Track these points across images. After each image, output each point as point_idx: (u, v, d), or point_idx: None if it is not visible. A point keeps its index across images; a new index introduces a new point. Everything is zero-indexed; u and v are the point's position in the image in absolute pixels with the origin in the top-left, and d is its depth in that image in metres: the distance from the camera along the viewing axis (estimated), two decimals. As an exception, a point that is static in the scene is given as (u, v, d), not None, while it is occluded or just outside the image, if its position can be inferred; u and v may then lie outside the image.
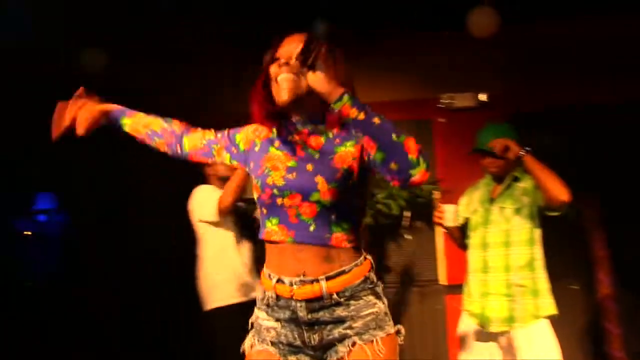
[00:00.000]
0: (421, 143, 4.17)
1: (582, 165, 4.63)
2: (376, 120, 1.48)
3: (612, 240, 4.59)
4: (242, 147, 1.79)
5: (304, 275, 1.57)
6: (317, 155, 1.64)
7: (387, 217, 4.73)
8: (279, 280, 1.61)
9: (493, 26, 4.55)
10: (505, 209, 2.87)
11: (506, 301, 2.80)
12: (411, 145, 1.48)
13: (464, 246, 3.08)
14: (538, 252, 2.84)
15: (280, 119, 1.72)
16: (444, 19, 4.72)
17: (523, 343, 2.74)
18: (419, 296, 5.04)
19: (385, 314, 1.63)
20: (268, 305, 1.64)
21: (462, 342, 2.96)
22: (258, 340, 1.66)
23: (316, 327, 1.59)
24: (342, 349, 1.58)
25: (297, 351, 1.62)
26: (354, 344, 1.57)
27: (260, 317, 1.67)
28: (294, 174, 1.61)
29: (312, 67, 1.52)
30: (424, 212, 4.98)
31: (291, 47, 1.62)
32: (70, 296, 5.14)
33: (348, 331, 1.58)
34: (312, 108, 1.66)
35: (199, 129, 1.88)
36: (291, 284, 1.59)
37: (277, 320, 1.63)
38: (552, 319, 4.92)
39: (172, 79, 5.01)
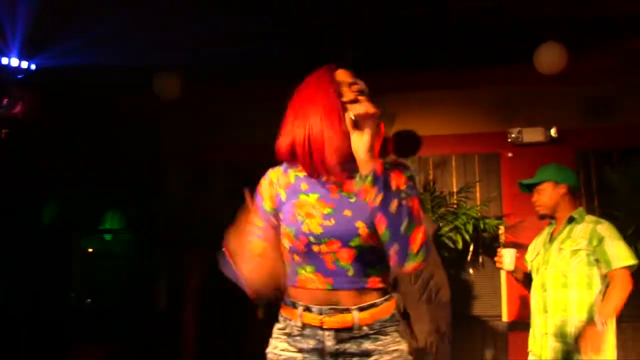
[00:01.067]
0: (489, 177, 4.23)
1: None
2: (393, 205, 1.45)
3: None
4: (270, 207, 1.66)
5: (335, 305, 1.55)
6: (353, 199, 1.58)
7: (451, 251, 4.73)
8: (306, 309, 1.56)
9: (561, 62, 4.58)
10: (563, 250, 2.85)
11: (562, 343, 2.77)
12: (417, 239, 1.46)
13: (528, 288, 3.07)
14: (595, 296, 2.78)
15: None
16: (516, 52, 4.79)
17: None
18: (481, 331, 4.99)
19: (410, 353, 1.60)
20: (290, 334, 1.59)
21: None
22: None
23: (340, 359, 1.55)
24: None
25: None
26: None
27: (279, 347, 1.60)
28: (332, 220, 1.55)
29: (360, 128, 1.48)
30: (488, 247, 4.99)
31: (348, 79, 1.60)
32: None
33: None
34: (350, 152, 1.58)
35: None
36: (320, 312, 1.54)
37: (300, 350, 1.57)
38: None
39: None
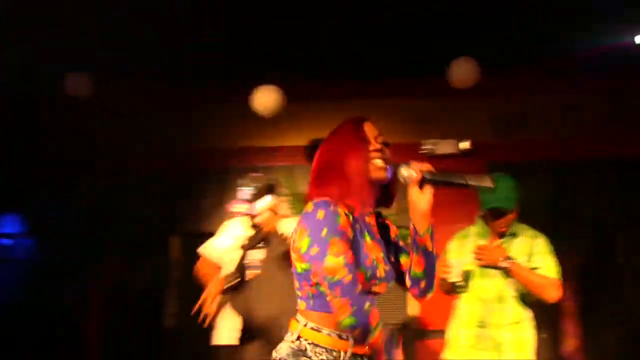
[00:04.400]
0: (402, 188, 4.18)
1: (559, 217, 4.70)
2: (435, 250, 1.75)
3: (582, 292, 4.63)
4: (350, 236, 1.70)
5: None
6: (382, 242, 1.80)
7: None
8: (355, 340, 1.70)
9: (474, 77, 4.72)
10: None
11: (496, 355, 2.78)
12: (437, 275, 1.80)
13: (450, 293, 3.02)
14: (529, 309, 2.86)
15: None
16: (431, 66, 4.90)
17: None
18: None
19: None
20: None
21: None
22: None
23: None
24: None
25: None
26: None
27: None
28: (387, 265, 1.75)
29: (422, 187, 1.72)
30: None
31: (374, 131, 1.82)
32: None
33: None
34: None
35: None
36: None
37: None
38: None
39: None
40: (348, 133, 1.79)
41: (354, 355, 1.69)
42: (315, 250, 1.59)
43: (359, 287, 1.60)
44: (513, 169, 5.21)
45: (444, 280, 2.83)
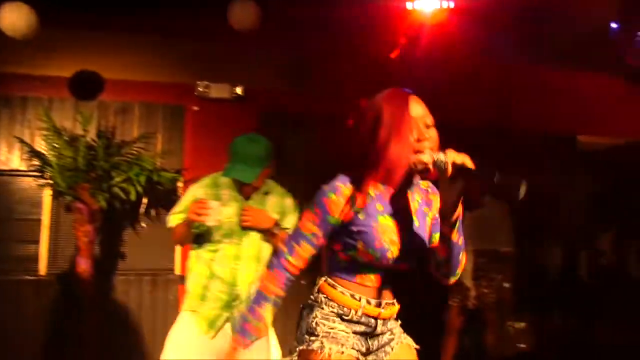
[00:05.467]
0: (173, 129, 3.92)
1: (325, 168, 4.85)
2: (461, 241, 1.79)
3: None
4: (337, 221, 1.79)
5: (387, 299, 1.88)
6: (417, 223, 1.85)
7: (124, 202, 4.45)
8: (367, 302, 1.83)
9: (254, 20, 4.59)
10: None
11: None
12: (463, 261, 1.85)
13: (189, 243, 2.83)
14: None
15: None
16: (211, 6, 4.67)
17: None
18: (152, 285, 4.85)
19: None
20: (347, 320, 1.84)
21: (177, 340, 2.72)
22: (339, 345, 1.81)
23: (375, 337, 1.90)
24: (389, 348, 1.92)
25: (359, 354, 1.86)
26: (401, 342, 1.95)
27: (337, 328, 1.84)
28: (408, 246, 1.80)
29: (454, 179, 1.66)
30: (164, 200, 4.84)
31: (420, 116, 1.76)
32: None
33: (392, 336, 1.94)
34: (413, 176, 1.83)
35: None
36: (379, 306, 1.85)
37: (353, 332, 1.86)
38: (284, 312, 5.14)
39: None
40: (397, 114, 1.74)
41: (365, 316, 1.84)
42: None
43: (362, 261, 1.79)
44: (285, 120, 5.36)
45: (195, 223, 2.62)
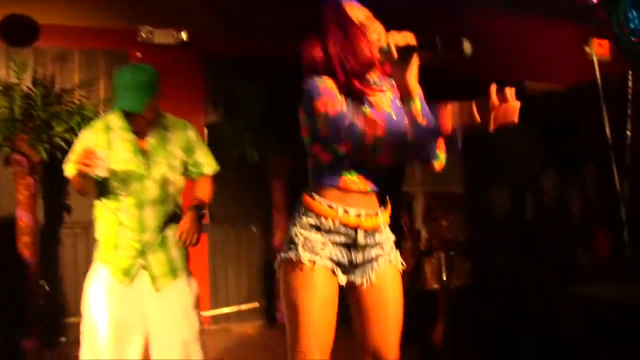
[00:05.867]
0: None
1: (270, 116, 4.79)
2: (431, 122, 1.70)
3: (293, 189, 4.90)
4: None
5: (368, 209, 1.85)
6: (393, 115, 1.82)
7: (64, 152, 4.28)
8: (345, 211, 1.82)
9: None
10: (161, 164, 2.57)
11: (163, 256, 2.57)
12: (441, 143, 1.83)
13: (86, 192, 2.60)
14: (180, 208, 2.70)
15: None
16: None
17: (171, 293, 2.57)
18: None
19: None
20: (325, 230, 1.83)
21: (94, 293, 2.56)
22: (316, 256, 1.82)
23: (359, 249, 1.87)
24: (377, 264, 1.91)
25: (340, 267, 1.87)
26: (390, 261, 1.93)
27: (312, 238, 1.83)
28: (386, 134, 1.73)
29: (406, 60, 1.67)
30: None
31: (358, 9, 1.86)
32: None
33: (381, 251, 1.92)
34: (381, 70, 1.88)
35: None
36: (358, 216, 1.83)
37: (332, 243, 1.84)
38: (232, 256, 5.15)
39: None
40: (341, 26, 1.82)
41: (344, 226, 1.83)
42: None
43: (342, 153, 1.79)
44: (231, 65, 5.23)
45: (85, 174, 2.37)
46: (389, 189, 1.93)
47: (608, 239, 4.83)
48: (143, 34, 4.94)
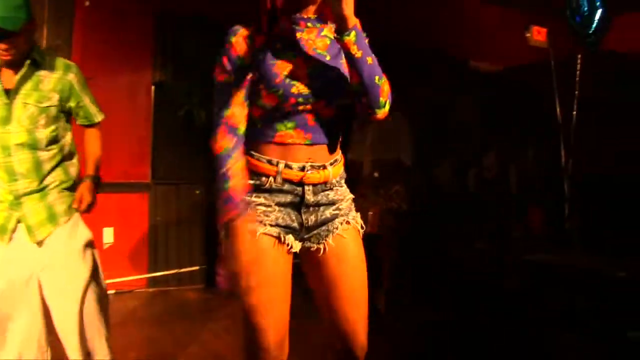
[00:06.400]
0: (60, 24, 3.38)
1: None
2: (369, 59, 1.59)
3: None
4: (243, 61, 1.67)
5: (313, 161, 1.69)
6: (328, 57, 1.67)
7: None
8: (286, 166, 1.67)
9: None
10: (30, 105, 2.29)
11: (40, 204, 2.32)
12: (385, 89, 1.64)
13: None
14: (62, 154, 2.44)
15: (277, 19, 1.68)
16: None
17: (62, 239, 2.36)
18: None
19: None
20: (267, 190, 1.69)
21: None
22: (258, 224, 1.67)
23: (312, 209, 1.72)
24: (333, 226, 1.74)
25: (291, 232, 1.70)
26: (347, 222, 1.76)
27: (256, 202, 1.68)
28: (318, 81, 1.64)
29: None
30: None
31: None
32: None
33: (337, 212, 1.75)
34: (317, 8, 1.69)
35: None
36: (302, 169, 1.68)
37: (277, 204, 1.69)
38: (177, 216, 5.07)
39: None
40: None
41: (288, 182, 1.68)
42: None
43: (270, 106, 1.65)
44: (182, 22, 5.06)
45: None
46: (339, 141, 1.79)
47: (541, 214, 5.04)
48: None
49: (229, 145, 1.64)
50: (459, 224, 5.11)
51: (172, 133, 4.99)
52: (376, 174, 4.45)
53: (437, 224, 5.02)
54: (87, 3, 4.75)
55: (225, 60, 1.67)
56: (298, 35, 1.67)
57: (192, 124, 4.83)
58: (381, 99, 1.65)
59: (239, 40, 1.66)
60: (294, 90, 1.63)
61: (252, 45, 1.66)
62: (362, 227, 1.82)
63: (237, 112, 1.67)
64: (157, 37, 5.01)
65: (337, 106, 1.73)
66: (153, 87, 4.96)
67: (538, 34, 5.16)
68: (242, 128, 1.68)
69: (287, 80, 1.62)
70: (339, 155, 1.80)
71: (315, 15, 1.70)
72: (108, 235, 4.72)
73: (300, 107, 1.66)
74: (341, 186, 1.80)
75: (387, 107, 1.68)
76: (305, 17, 1.69)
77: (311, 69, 1.65)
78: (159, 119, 4.97)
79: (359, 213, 1.84)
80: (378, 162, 4.47)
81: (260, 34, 1.68)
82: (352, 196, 1.84)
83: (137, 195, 4.93)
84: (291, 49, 1.66)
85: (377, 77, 1.62)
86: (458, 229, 5.08)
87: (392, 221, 4.31)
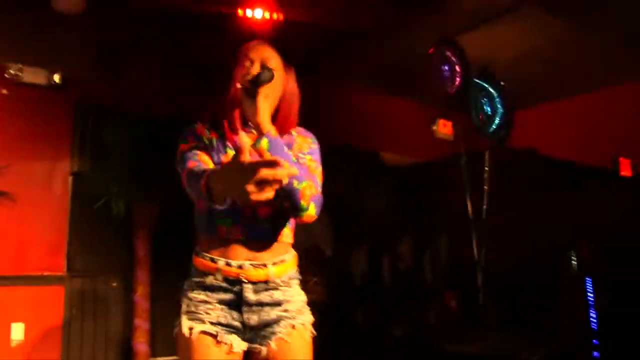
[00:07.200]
0: None
1: (138, 167, 4.69)
2: (285, 165, 1.55)
3: (155, 241, 4.80)
4: (207, 141, 1.79)
5: (252, 260, 1.70)
6: (267, 155, 1.63)
7: None
8: (226, 264, 1.69)
9: (79, 4, 4.38)
10: None
11: None
12: (306, 193, 1.65)
13: None
14: None
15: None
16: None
17: None
18: None
19: (307, 303, 1.82)
20: (208, 287, 1.70)
21: None
22: (197, 322, 1.68)
23: (254, 309, 1.70)
24: (278, 329, 1.70)
25: (233, 331, 1.70)
26: (293, 326, 1.72)
27: (198, 298, 1.71)
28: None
29: (253, 98, 1.65)
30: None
31: (257, 55, 1.77)
32: None
33: (284, 313, 1.72)
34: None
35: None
36: (241, 267, 1.69)
37: (219, 302, 1.70)
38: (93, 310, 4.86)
39: None
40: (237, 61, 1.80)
41: (228, 280, 1.69)
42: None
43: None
44: (101, 112, 5.08)
45: None
46: (286, 240, 1.80)
47: (456, 299, 5.20)
48: (12, 71, 4.72)
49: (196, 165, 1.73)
50: (373, 312, 5.18)
51: (90, 224, 4.89)
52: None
53: (353, 313, 5.07)
54: (4, 91, 4.73)
55: (190, 137, 1.79)
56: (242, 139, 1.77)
57: (110, 214, 4.76)
58: (302, 202, 1.65)
59: (200, 127, 1.81)
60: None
61: (209, 134, 1.80)
62: (312, 332, 1.79)
63: (201, 161, 1.74)
64: (76, 127, 5.00)
65: (279, 206, 1.71)
66: (71, 177, 4.88)
67: (444, 127, 5.51)
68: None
69: None
70: (287, 255, 1.79)
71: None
72: (17, 331, 4.46)
73: (236, 205, 1.65)
74: (290, 287, 1.77)
75: (312, 210, 1.68)
76: (251, 124, 1.75)
77: None
78: (76, 209, 4.86)
79: (311, 318, 1.81)
80: (302, 251, 4.54)
81: (214, 128, 1.81)
82: (303, 298, 1.81)
83: (52, 288, 4.72)
84: (234, 150, 1.72)
85: (295, 182, 1.63)
86: (373, 317, 5.15)
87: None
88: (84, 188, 4.85)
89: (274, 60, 1.78)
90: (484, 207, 4.67)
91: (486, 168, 4.66)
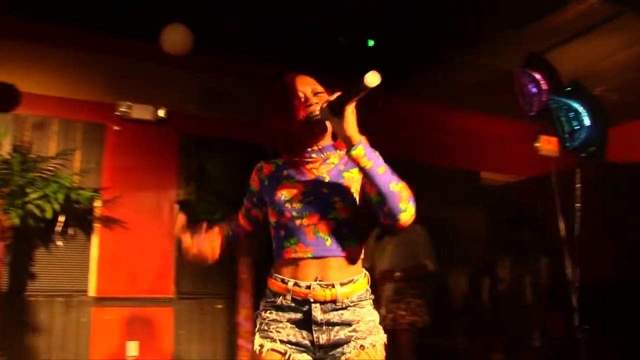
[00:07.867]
0: (92, 147, 3.76)
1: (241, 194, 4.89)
2: (381, 169, 1.66)
3: (256, 265, 4.96)
4: (256, 190, 1.96)
5: (321, 280, 1.74)
6: (327, 179, 1.82)
7: (39, 220, 4.31)
8: (295, 284, 1.75)
9: (185, 45, 4.69)
10: None
11: None
12: (404, 195, 1.67)
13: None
14: None
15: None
16: (143, 28, 4.74)
17: None
18: (64, 307, 4.70)
19: (379, 323, 1.83)
20: (279, 307, 1.77)
21: None
22: (268, 340, 1.75)
23: (324, 328, 1.73)
24: (348, 349, 1.72)
25: (304, 351, 1.75)
26: (362, 346, 1.72)
27: (269, 318, 1.78)
28: (311, 197, 1.78)
29: (340, 114, 1.64)
30: (81, 219, 4.78)
31: (306, 87, 1.84)
32: None
33: (353, 334, 1.74)
34: (324, 140, 1.87)
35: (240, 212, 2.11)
36: (308, 287, 1.73)
37: (288, 321, 1.76)
38: (195, 332, 5.09)
39: None
40: (288, 97, 1.84)
41: (297, 300, 1.75)
42: None
43: (274, 223, 1.84)
44: (204, 144, 5.40)
45: None
46: (355, 259, 1.79)
47: (561, 322, 4.98)
48: (122, 109, 5.10)
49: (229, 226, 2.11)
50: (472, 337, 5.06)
51: (195, 249, 5.12)
52: (393, 283, 4.49)
53: (452, 336, 4.98)
54: (116, 128, 5.11)
55: (250, 190, 2.03)
56: (300, 167, 1.87)
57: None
58: (400, 204, 1.66)
59: (254, 173, 2.00)
60: (287, 205, 1.79)
61: (259, 173, 1.96)
62: (380, 355, 1.77)
63: (242, 219, 2.09)
64: (181, 157, 5.31)
65: (342, 222, 1.78)
66: (177, 205, 5.18)
67: (548, 143, 5.34)
68: (229, 228, 2.11)
69: (284, 197, 1.80)
70: (358, 275, 1.80)
71: (321, 147, 1.86)
72: (133, 348, 4.77)
73: (297, 222, 1.77)
74: (361, 307, 1.78)
75: (410, 212, 1.68)
76: (310, 150, 1.85)
77: (307, 189, 1.80)
78: (183, 235, 5.13)
79: (383, 337, 1.80)
80: (399, 271, 4.51)
81: (270, 165, 1.95)
82: (374, 318, 1.81)
83: (162, 309, 5.02)
84: (295, 175, 1.86)
85: (392, 184, 1.65)
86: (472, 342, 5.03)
87: (412, 336, 4.33)
88: (188, 215, 5.09)
89: (319, 87, 1.87)
90: (576, 225, 4.48)
91: (577, 185, 4.46)
